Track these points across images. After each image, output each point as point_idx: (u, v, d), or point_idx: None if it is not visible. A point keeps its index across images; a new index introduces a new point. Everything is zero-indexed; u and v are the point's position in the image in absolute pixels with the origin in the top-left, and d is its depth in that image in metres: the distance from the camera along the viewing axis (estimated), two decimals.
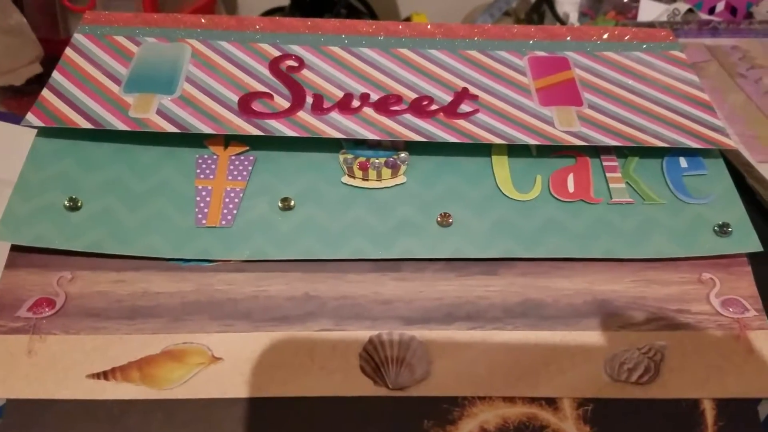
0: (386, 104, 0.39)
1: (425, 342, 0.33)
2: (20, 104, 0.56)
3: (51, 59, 0.56)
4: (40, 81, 0.56)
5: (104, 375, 0.31)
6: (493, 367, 0.32)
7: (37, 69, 0.57)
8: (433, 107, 0.39)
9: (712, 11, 0.66)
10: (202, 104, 0.38)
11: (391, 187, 0.37)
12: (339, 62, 0.41)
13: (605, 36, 0.44)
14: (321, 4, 0.78)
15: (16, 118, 0.47)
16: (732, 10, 0.65)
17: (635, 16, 0.65)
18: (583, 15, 0.67)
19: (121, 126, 0.36)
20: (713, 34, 0.55)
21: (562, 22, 0.67)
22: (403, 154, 0.37)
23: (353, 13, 0.77)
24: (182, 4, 0.68)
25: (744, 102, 0.46)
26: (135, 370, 0.31)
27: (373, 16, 0.78)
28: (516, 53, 0.42)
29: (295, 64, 0.41)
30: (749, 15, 0.64)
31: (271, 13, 0.79)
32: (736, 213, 0.36)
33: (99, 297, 0.34)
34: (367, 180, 0.37)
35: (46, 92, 0.38)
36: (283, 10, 0.78)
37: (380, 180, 0.37)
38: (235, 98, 0.38)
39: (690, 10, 0.65)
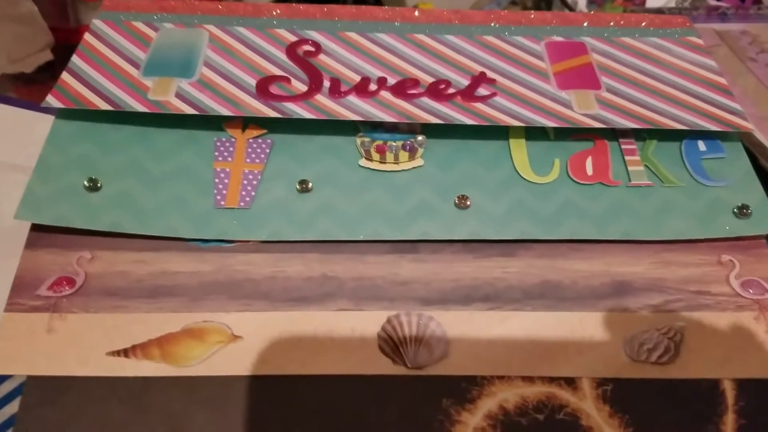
0: (403, 88, 0.39)
1: (443, 322, 0.33)
2: (31, 92, 0.56)
3: (61, 47, 0.56)
4: (50, 69, 0.57)
5: (124, 352, 0.31)
6: (511, 347, 0.32)
7: (47, 57, 0.57)
8: (451, 91, 0.39)
9: None
10: (221, 87, 0.38)
11: (409, 170, 0.37)
12: (355, 47, 0.41)
13: (622, 22, 0.44)
14: None
15: (27, 105, 0.48)
16: None
17: (643, 3, 0.64)
18: (590, 2, 0.67)
19: (140, 108, 0.37)
20: (722, 20, 0.55)
21: (571, 9, 0.66)
22: (420, 137, 0.37)
23: (360, 3, 0.76)
24: None
25: (755, 85, 0.45)
26: (155, 347, 0.31)
27: (379, 4, 0.77)
28: (533, 38, 0.42)
29: (312, 49, 0.41)
30: (757, 0, 0.63)
31: None
32: (756, 195, 0.36)
33: (119, 276, 0.34)
34: (385, 163, 0.37)
35: (65, 75, 0.38)
36: None
37: (397, 163, 0.37)
38: (253, 82, 0.38)
39: None
